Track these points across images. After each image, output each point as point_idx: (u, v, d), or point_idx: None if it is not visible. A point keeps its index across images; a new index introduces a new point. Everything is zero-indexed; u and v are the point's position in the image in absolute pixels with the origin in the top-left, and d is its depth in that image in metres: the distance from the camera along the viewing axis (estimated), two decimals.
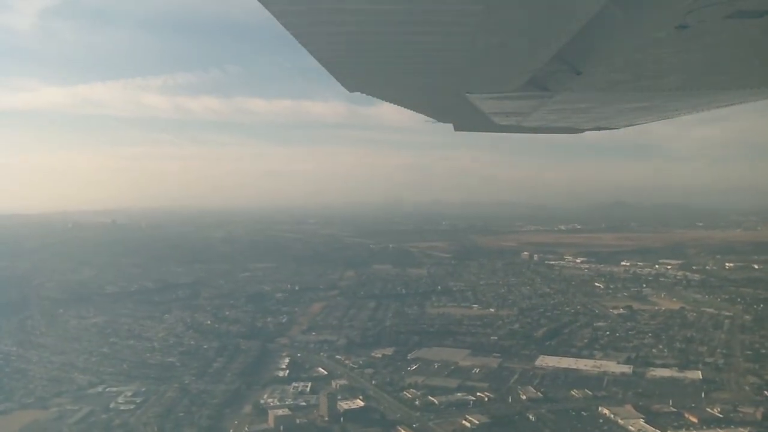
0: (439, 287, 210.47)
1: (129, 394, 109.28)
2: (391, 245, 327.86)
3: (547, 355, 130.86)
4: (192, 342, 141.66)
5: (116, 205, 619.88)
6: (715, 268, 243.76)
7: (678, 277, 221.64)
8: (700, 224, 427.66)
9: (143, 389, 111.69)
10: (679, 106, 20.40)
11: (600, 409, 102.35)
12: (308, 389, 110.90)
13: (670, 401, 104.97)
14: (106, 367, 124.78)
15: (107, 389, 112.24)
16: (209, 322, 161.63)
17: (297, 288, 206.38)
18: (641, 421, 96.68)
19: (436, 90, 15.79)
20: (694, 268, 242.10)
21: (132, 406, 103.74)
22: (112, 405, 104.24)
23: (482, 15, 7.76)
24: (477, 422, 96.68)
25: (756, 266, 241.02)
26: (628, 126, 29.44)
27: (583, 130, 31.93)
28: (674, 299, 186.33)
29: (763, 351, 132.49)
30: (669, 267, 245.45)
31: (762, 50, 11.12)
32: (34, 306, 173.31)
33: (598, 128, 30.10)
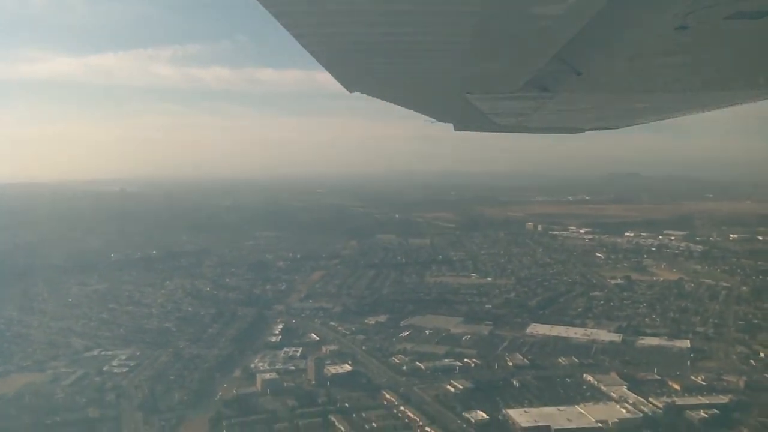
0: (440, 257, 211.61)
1: (123, 357, 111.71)
2: (396, 215, 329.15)
3: (539, 323, 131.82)
4: (189, 308, 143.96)
5: (126, 175, 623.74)
6: (719, 239, 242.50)
7: (680, 248, 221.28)
8: (711, 196, 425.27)
9: (138, 353, 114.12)
10: (679, 106, 20.59)
11: (585, 376, 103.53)
12: (299, 354, 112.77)
13: (656, 369, 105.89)
14: (104, 332, 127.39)
15: (102, 353, 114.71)
16: (208, 289, 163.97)
17: (299, 257, 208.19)
18: (624, 388, 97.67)
19: (436, 90, 15.84)
20: (697, 239, 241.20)
21: (125, 369, 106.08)
22: (105, 368, 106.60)
23: (482, 15, 7.73)
24: (461, 387, 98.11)
25: (761, 238, 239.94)
26: (628, 126, 29.63)
27: (583, 130, 32.01)
28: (674, 270, 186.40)
29: (756, 321, 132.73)
30: (673, 238, 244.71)
31: (762, 50, 11.06)
32: (38, 273, 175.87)
33: (599, 128, 30.69)
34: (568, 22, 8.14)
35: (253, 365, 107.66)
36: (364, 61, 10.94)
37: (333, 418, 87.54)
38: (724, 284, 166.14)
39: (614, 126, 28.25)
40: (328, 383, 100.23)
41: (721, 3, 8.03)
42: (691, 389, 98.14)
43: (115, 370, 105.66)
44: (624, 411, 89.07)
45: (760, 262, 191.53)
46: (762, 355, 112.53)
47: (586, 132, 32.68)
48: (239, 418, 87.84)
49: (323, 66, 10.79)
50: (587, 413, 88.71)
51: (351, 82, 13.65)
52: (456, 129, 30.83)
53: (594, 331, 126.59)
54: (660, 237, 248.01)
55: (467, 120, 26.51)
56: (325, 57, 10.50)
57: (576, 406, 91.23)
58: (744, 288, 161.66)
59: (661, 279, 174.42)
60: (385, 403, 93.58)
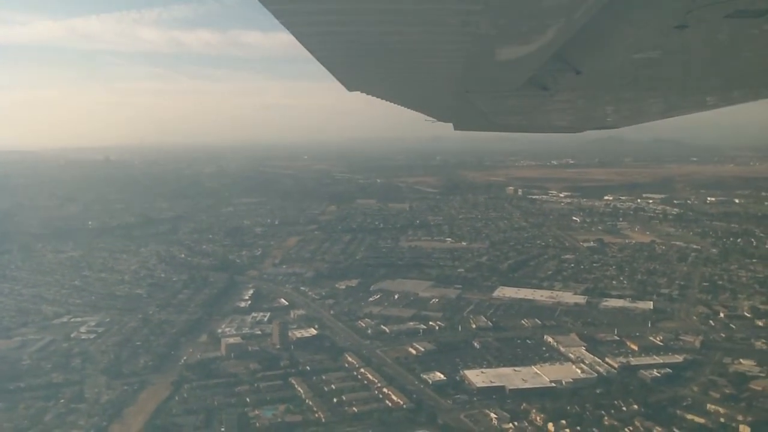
0: (418, 221, 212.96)
1: (92, 324, 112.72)
2: (379, 180, 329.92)
3: (507, 286, 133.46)
4: (162, 275, 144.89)
5: (112, 142, 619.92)
6: (696, 202, 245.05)
7: (657, 212, 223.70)
8: (695, 159, 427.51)
9: (107, 320, 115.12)
10: (679, 106, 20.66)
11: (545, 337, 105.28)
12: (266, 319, 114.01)
13: (615, 330, 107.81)
14: (75, 298, 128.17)
15: (72, 319, 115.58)
16: (183, 255, 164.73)
17: (277, 222, 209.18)
18: (582, 349, 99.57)
19: (436, 90, 15.72)
20: (675, 202, 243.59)
21: (93, 336, 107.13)
22: (73, 334, 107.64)
23: (482, 14, 7.64)
24: (422, 350, 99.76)
25: (737, 200, 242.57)
26: (628, 126, 29.66)
27: (583, 129, 32.71)
28: (647, 233, 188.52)
29: (720, 282, 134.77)
30: (651, 201, 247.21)
31: (762, 50, 10.96)
32: (13, 241, 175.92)
33: (598, 128, 31.21)
34: (568, 21, 8.10)
35: (220, 330, 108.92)
36: (364, 60, 10.95)
37: (293, 381, 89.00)
38: (695, 246, 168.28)
39: (614, 125, 28.43)
40: (292, 347, 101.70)
41: (720, 1, 7.91)
42: (648, 349, 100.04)
43: (83, 336, 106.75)
44: (579, 371, 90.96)
45: (732, 225, 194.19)
46: (722, 315, 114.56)
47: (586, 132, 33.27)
48: (201, 382, 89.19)
49: (323, 65, 10.79)
50: (543, 373, 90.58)
51: (351, 82, 13.76)
52: (456, 128, 31.06)
53: (560, 293, 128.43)
54: (638, 200, 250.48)
55: (467, 119, 26.63)
56: (325, 57, 10.44)
57: (532, 367, 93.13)
58: (714, 250, 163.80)
59: (633, 242, 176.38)
60: (346, 365, 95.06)
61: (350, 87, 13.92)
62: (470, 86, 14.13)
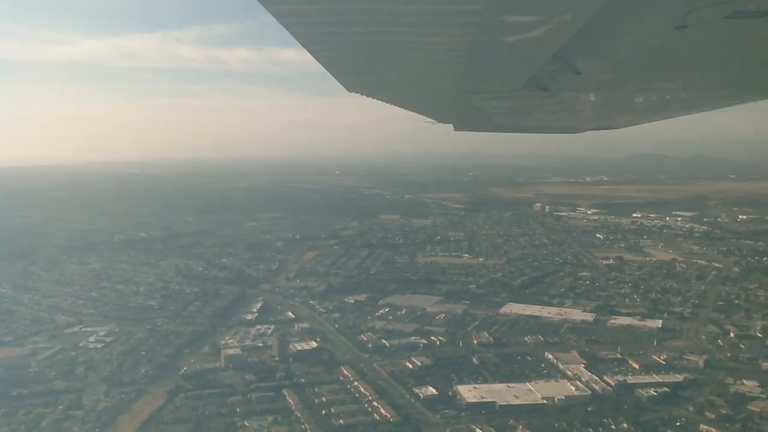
0: (438, 237, 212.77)
1: (102, 333, 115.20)
2: (406, 196, 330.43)
3: (516, 302, 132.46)
4: (176, 287, 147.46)
5: (148, 157, 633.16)
6: (726, 220, 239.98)
7: (684, 229, 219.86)
8: (732, 176, 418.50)
9: (117, 330, 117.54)
10: (679, 106, 20.68)
11: (545, 354, 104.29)
12: (270, 332, 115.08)
13: (619, 348, 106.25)
14: (89, 309, 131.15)
15: (83, 329, 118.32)
16: (201, 268, 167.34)
17: (298, 237, 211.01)
18: (581, 367, 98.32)
19: (436, 90, 15.63)
20: (704, 219, 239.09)
21: (100, 345, 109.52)
22: (81, 343, 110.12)
23: (482, 15, 7.72)
24: (419, 364, 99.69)
25: None
26: (628, 126, 29.94)
27: (583, 130, 32.98)
28: (670, 251, 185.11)
29: (737, 302, 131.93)
30: (679, 219, 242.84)
31: (762, 50, 11.00)
32: (40, 253, 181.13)
33: (598, 128, 31.25)
34: (567, 22, 8.12)
35: (223, 342, 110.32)
36: (364, 61, 10.98)
37: (286, 393, 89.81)
38: (717, 265, 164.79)
39: (614, 126, 28.70)
40: (291, 359, 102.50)
41: (720, 2, 7.91)
42: (649, 368, 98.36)
43: (91, 346, 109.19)
44: (573, 389, 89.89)
45: (760, 243, 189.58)
46: (732, 335, 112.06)
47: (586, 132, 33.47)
48: (196, 392, 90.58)
49: (323, 66, 10.91)
50: (536, 390, 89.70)
51: (351, 83, 13.81)
52: (456, 129, 31.62)
53: (568, 310, 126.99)
54: (667, 218, 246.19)
55: (467, 120, 26.82)
56: (325, 57, 10.53)
57: (527, 383, 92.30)
58: (735, 269, 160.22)
59: (654, 260, 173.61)
60: (341, 378, 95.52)
61: (350, 88, 14.08)
62: (470, 87, 14.29)
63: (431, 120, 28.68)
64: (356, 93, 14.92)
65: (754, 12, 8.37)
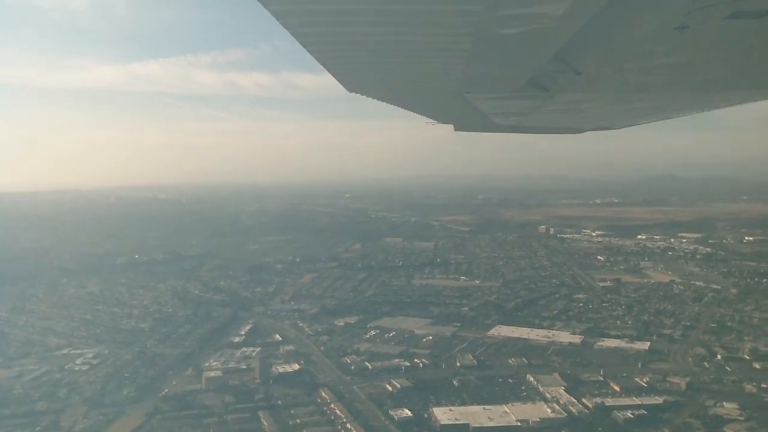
0: (438, 259, 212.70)
1: (90, 355, 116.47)
2: (413, 219, 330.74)
3: (505, 325, 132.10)
4: (170, 309, 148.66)
5: (164, 181, 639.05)
6: (732, 241, 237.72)
7: (687, 251, 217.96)
8: (745, 198, 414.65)
9: (105, 352, 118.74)
10: (679, 106, 20.76)
11: (527, 376, 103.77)
12: (255, 354, 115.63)
13: (602, 371, 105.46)
14: (81, 331, 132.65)
15: (72, 351, 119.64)
16: (197, 291, 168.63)
17: (298, 260, 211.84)
18: (561, 389, 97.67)
19: (436, 90, 15.66)
20: (710, 241, 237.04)
21: (86, 367, 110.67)
22: (68, 366, 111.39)
23: (482, 15, 7.73)
24: (398, 386, 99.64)
25: None
26: (628, 126, 30.16)
27: (583, 130, 32.70)
28: (669, 272, 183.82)
29: (730, 323, 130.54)
30: (684, 240, 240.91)
31: (762, 50, 11.02)
32: (43, 276, 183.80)
33: (599, 128, 31.11)
34: (567, 22, 8.22)
35: (207, 364, 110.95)
36: (364, 61, 11.04)
37: (261, 414, 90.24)
38: (715, 286, 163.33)
39: (614, 126, 28.64)
40: (271, 381, 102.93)
41: (720, 2, 7.93)
42: (630, 390, 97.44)
43: (77, 368, 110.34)
44: (549, 411, 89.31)
45: (762, 264, 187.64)
46: (719, 357, 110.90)
47: (586, 132, 33.12)
48: (173, 413, 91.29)
49: (323, 66, 10.96)
50: (511, 412, 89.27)
51: (351, 83, 13.82)
52: (456, 129, 31.51)
53: (557, 332, 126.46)
54: (672, 240, 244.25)
55: (467, 120, 26.84)
56: (325, 57, 10.59)
57: (504, 405, 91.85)
58: (733, 290, 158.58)
59: (652, 281, 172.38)
60: (319, 400, 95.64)
61: (350, 88, 14.06)
62: (470, 87, 14.27)
63: (431, 120, 28.87)
64: (356, 93, 14.93)
65: (754, 12, 8.35)
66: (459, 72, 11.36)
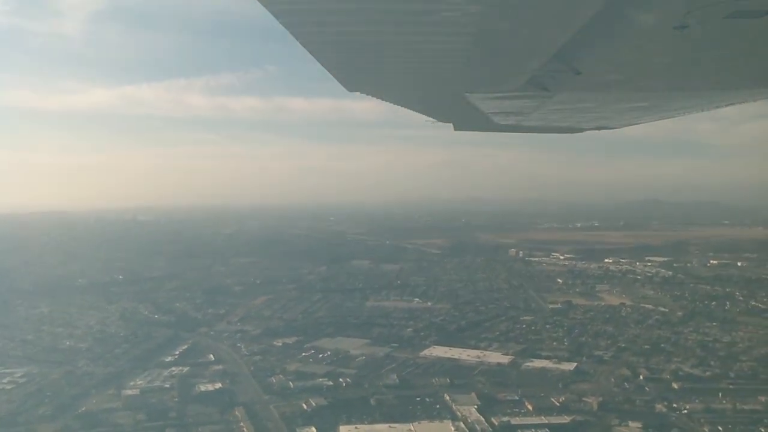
0: (399, 282, 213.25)
1: (17, 375, 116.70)
2: (388, 242, 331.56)
3: (440, 345, 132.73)
4: (113, 330, 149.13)
5: (149, 202, 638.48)
6: (695, 265, 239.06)
7: (648, 274, 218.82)
8: (726, 222, 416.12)
9: (34, 371, 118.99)
10: (679, 106, 20.89)
11: (444, 395, 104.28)
12: (183, 373, 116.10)
13: (520, 390, 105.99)
14: (17, 351, 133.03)
15: (2, 371, 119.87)
16: (146, 312, 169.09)
17: (259, 282, 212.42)
18: (473, 408, 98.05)
19: (436, 90, 15.87)
20: (674, 265, 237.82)
21: (11, 386, 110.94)
22: None
23: (482, 15, 7.86)
24: (314, 405, 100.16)
25: (740, 264, 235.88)
26: (628, 126, 30.36)
27: (583, 130, 32.96)
28: (623, 295, 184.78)
29: (663, 345, 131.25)
30: (649, 264, 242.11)
31: (762, 50, 11.10)
32: None
33: (598, 128, 31.37)
34: (567, 22, 8.32)
35: (132, 383, 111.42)
36: (364, 61, 11.18)
37: None
38: (662, 309, 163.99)
39: (614, 126, 28.76)
40: (189, 400, 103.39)
41: (721, 2, 8.04)
42: (542, 410, 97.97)
43: (0, 387, 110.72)
44: (453, 429, 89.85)
45: (716, 288, 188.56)
46: (641, 377, 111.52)
47: (586, 132, 33.48)
48: (82, 431, 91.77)
49: (323, 66, 11.06)
50: (416, 430, 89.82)
51: (351, 83, 13.98)
52: (456, 129, 31.76)
53: (488, 353, 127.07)
54: (637, 263, 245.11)
55: (467, 120, 27.09)
56: (325, 57, 10.76)
57: (410, 424, 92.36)
58: (679, 313, 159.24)
59: (603, 304, 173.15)
60: (231, 419, 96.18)
61: (350, 87, 14.19)
62: (470, 87, 14.50)
63: (431, 119, 28.76)
64: (356, 92, 15.11)
65: (754, 12, 8.43)
66: (459, 72, 11.67)
